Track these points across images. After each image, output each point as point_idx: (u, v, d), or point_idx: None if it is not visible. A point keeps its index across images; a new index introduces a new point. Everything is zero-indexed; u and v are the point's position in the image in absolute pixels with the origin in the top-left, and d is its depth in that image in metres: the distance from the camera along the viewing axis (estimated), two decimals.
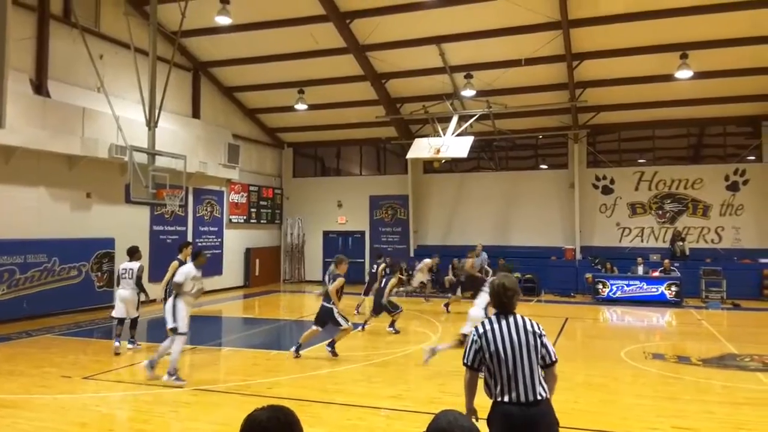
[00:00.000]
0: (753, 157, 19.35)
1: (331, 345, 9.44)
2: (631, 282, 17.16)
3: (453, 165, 19.85)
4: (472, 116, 17.36)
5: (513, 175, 21.60)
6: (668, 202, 19.67)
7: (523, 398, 3.42)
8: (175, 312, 7.80)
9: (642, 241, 19.70)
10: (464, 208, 21.52)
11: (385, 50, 17.09)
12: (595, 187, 20.46)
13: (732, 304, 16.53)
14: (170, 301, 7.96)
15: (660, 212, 19.74)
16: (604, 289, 17.28)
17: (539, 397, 3.44)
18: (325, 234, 23.34)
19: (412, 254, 21.44)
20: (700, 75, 15.92)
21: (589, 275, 18.12)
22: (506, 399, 3.45)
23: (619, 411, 6.77)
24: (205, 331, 12.15)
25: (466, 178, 21.83)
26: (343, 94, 19.41)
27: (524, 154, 23.28)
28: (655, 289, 16.85)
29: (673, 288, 16.66)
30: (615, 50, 16.01)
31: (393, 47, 16.89)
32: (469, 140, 16.62)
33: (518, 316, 3.64)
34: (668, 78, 16.16)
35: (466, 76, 17.18)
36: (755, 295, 17.50)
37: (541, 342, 3.56)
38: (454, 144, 16.71)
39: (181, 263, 8.85)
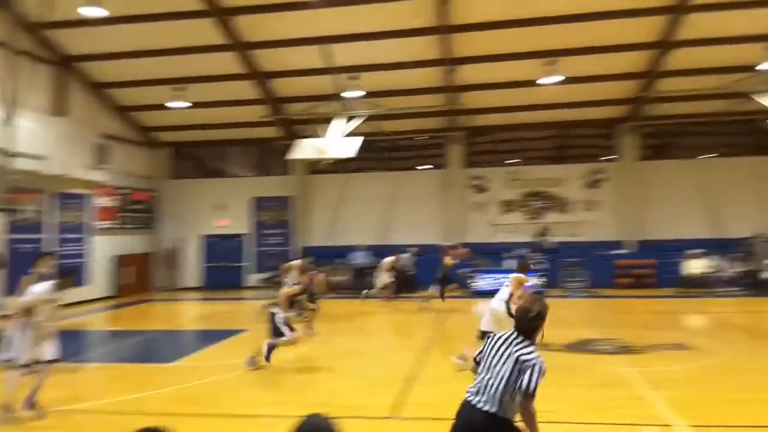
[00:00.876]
0: (609, 157, 21.32)
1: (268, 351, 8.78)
2: (502, 275, 18.24)
3: (338, 165, 20.00)
4: (358, 117, 17.60)
5: (396, 175, 22.16)
6: (535, 199, 21.16)
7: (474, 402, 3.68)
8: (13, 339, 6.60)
9: (512, 236, 21.01)
10: (349, 208, 21.73)
11: (269, 48, 16.86)
12: (471, 186, 21.53)
13: (590, 293, 18.09)
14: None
15: (527, 209, 21.19)
16: (478, 283, 18.23)
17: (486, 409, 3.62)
18: (204, 238, 22.57)
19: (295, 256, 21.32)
20: (565, 80, 17.20)
21: (464, 270, 19.00)
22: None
23: None
24: (68, 347, 11.27)
25: (350, 178, 22.04)
26: (226, 92, 18.87)
27: (406, 154, 23.95)
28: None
29: (539, 279, 17.95)
30: (491, 56, 16.95)
31: (278, 46, 16.71)
32: (357, 141, 16.85)
33: (517, 338, 3.72)
34: (536, 83, 17.31)
35: (351, 78, 17.31)
36: (610, 284, 19.29)
37: (521, 369, 3.60)
38: (341, 144, 16.85)
39: (41, 278, 7.81)
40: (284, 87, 18.89)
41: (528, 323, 3.77)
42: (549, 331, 11.19)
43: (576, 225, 20.83)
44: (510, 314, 7.76)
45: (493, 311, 8.25)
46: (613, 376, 8.13)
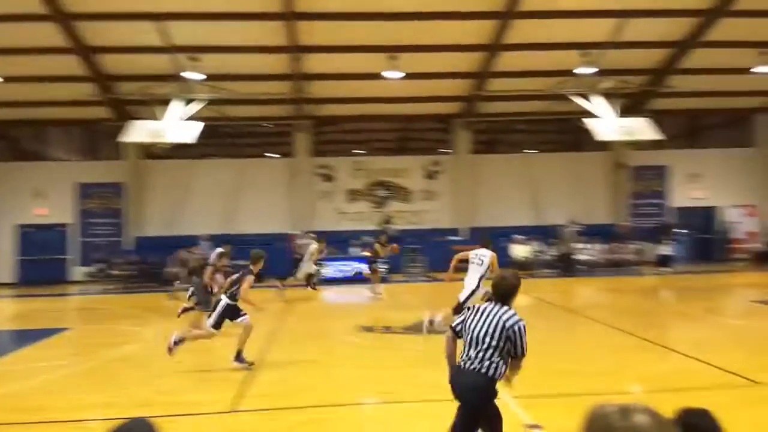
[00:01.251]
0: (447, 150, 22.58)
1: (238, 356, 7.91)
2: (348, 262, 18.63)
3: (178, 151, 18.91)
4: (199, 101, 16.73)
5: (241, 162, 21.53)
6: (380, 189, 21.80)
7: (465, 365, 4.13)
8: None
9: (358, 224, 21.47)
10: (190, 197, 20.66)
11: (97, 21, 15.38)
12: (318, 175, 21.58)
13: (429, 277, 19.08)
14: None
15: (373, 198, 21.77)
16: (324, 271, 18.38)
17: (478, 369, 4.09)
18: (19, 228, 20.13)
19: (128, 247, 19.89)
20: (407, 76, 17.83)
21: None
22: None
23: (333, 384, 7.28)
24: None
25: (192, 165, 20.97)
26: (47, 67, 16.87)
27: (253, 141, 23.33)
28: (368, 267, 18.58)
29: (384, 266, 18.54)
30: (337, 46, 17.04)
31: (107, 19, 15.30)
32: (197, 125, 16.00)
33: (497, 306, 4.14)
34: (381, 77, 17.73)
35: (191, 59, 16.37)
36: (444, 269, 20.47)
37: (507, 334, 4.04)
38: (180, 129, 15.91)
39: None
40: (115, 64, 17.40)
41: (505, 291, 4.22)
42: (391, 314, 11.65)
43: (416, 214, 21.83)
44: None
45: (467, 286, 9.52)
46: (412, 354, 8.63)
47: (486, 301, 4.38)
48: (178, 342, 7.81)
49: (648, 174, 22.16)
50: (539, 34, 16.87)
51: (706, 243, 22.10)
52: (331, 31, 16.40)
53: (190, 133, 16.01)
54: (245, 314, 7.97)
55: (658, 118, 18.30)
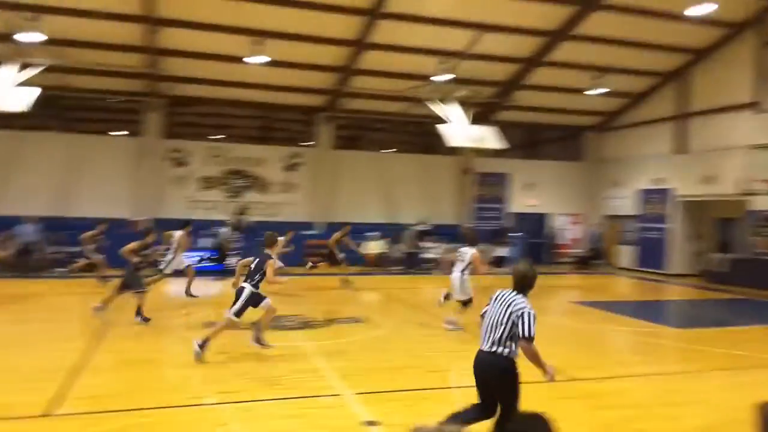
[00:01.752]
0: (309, 143, 22.47)
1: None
2: (196, 254, 17.85)
3: (4, 120, 16.82)
4: (35, 65, 15.01)
5: (81, 138, 19.76)
6: (236, 178, 21.13)
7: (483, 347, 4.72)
8: None
9: (211, 214, 20.67)
10: (17, 172, 18.47)
11: None
12: (170, 159, 20.40)
13: (282, 271, 18.76)
14: None
15: (229, 187, 21.06)
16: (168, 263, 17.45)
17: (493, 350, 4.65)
18: None
19: None
20: (271, 63, 17.43)
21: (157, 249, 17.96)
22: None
23: (166, 385, 6.94)
24: None
25: (22, 137, 18.75)
26: None
27: (96, 116, 21.47)
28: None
29: (235, 258, 18.06)
30: (198, 23, 16.19)
31: None
32: (32, 92, 14.35)
33: (512, 294, 4.75)
34: (243, 61, 17.15)
35: (27, 18, 14.50)
36: (300, 263, 20.41)
37: (514, 318, 4.59)
38: (11, 95, 14.18)
39: None
40: None
41: (524, 282, 4.84)
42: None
43: (273, 205, 21.49)
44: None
45: (453, 281, 10.05)
46: (292, 351, 8.59)
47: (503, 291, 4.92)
48: (203, 345, 7.71)
49: (491, 180, 23.80)
50: (402, 37, 17.37)
51: (536, 246, 24.23)
52: (193, 6, 15.57)
53: (22, 100, 14.32)
54: (266, 297, 8.05)
55: (503, 128, 19.73)
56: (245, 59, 16.94)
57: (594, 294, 17.00)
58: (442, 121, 18.36)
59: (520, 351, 4.68)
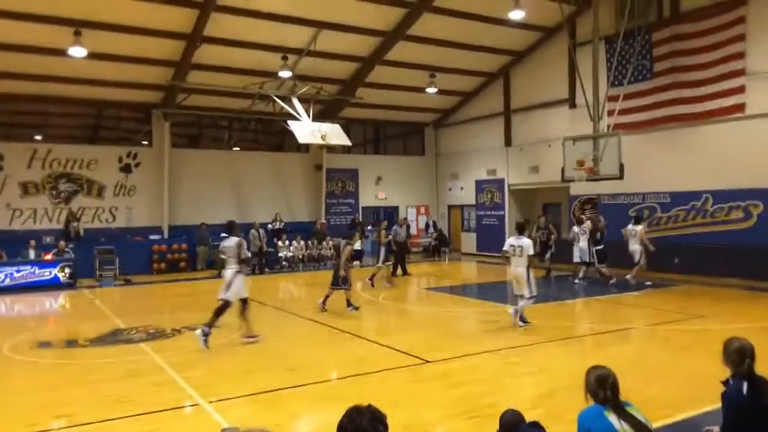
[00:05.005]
0: (145, 142, 21.02)
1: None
2: (22, 267, 15.99)
3: None
4: None
5: None
6: (63, 181, 19.18)
7: None
8: None
9: (35, 222, 18.60)
10: None
11: None
12: None
13: (124, 281, 17.55)
14: None
15: (55, 192, 19.05)
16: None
17: None
18: None
19: None
20: (96, 56, 16.06)
21: None
22: None
23: None
24: None
25: None
26: None
27: None
28: (48, 273, 16.27)
29: (67, 270, 16.47)
30: (9, 12, 14.43)
31: None
32: None
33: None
34: (63, 53, 15.59)
35: None
36: (147, 270, 19.16)
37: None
38: None
39: None
40: None
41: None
42: (76, 326, 10.36)
43: (110, 210, 19.87)
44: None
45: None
46: (141, 365, 8.04)
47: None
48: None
49: (342, 176, 24.14)
50: (240, 32, 16.93)
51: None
52: None
53: None
54: None
55: (350, 125, 20.09)
56: (68, 52, 15.41)
57: (443, 280, 18.00)
58: (290, 118, 18.21)
59: None
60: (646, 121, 17.01)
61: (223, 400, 6.44)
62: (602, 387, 3.28)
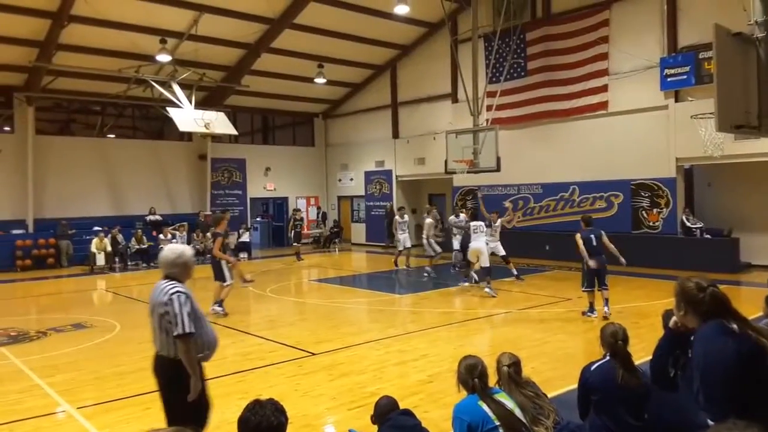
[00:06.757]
0: (7, 128, 19.15)
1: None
2: None
3: None
4: None
5: None
6: None
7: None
8: None
9: None
10: None
11: None
12: None
13: None
14: None
15: None
16: None
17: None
18: None
19: None
20: None
21: None
22: None
23: None
24: None
25: None
26: None
27: None
28: None
29: None
30: None
31: None
32: None
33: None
34: None
35: None
36: (10, 267, 17.59)
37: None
38: None
39: None
40: None
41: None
42: None
43: None
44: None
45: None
46: (2, 371, 7.38)
47: None
48: None
49: (228, 166, 23.41)
50: (113, 12, 15.89)
51: (279, 229, 24.79)
52: None
53: None
54: None
55: (236, 114, 19.50)
56: None
57: (332, 271, 18.05)
58: (170, 104, 17.34)
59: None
60: (521, 116, 18.05)
61: (92, 405, 6.07)
62: (471, 375, 3.46)
